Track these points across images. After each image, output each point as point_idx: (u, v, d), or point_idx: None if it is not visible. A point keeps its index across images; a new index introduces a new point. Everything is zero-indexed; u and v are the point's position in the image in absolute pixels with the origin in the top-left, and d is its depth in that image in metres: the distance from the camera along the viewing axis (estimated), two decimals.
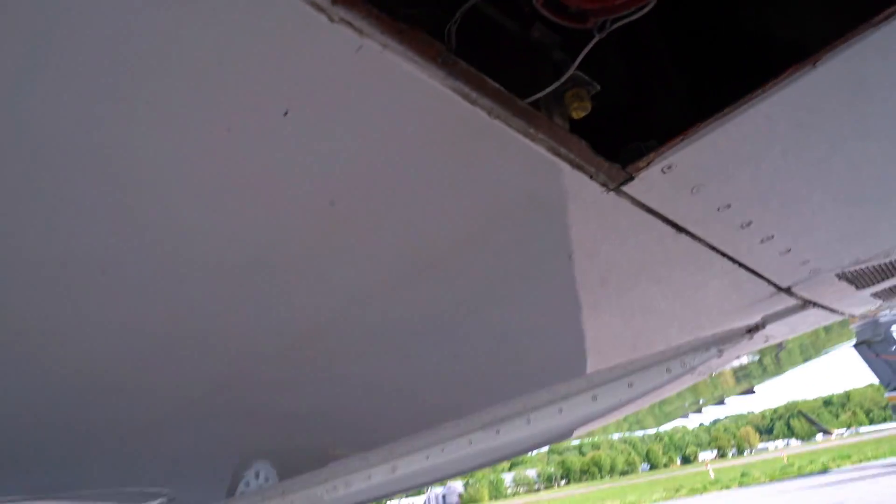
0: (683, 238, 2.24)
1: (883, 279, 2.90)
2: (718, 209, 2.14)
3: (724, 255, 2.40)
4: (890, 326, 22.12)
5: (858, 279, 2.86)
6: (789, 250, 2.50)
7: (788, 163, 2.01)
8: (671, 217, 2.13)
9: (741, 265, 2.52)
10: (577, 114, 1.71)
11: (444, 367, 3.21)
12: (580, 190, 1.92)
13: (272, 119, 1.52)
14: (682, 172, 1.93)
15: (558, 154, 1.77)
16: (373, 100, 1.53)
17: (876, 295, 3.16)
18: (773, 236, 2.37)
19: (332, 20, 1.32)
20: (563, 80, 1.66)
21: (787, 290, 2.85)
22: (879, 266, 2.77)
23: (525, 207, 1.97)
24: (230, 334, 2.49)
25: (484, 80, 1.54)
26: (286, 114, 1.50)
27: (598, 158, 1.83)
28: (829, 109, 1.81)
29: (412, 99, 1.54)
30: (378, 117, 1.56)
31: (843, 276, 2.80)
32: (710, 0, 2.22)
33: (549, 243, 2.17)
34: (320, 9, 1.29)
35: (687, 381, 5.31)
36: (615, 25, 1.59)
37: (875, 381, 27.88)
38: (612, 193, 1.97)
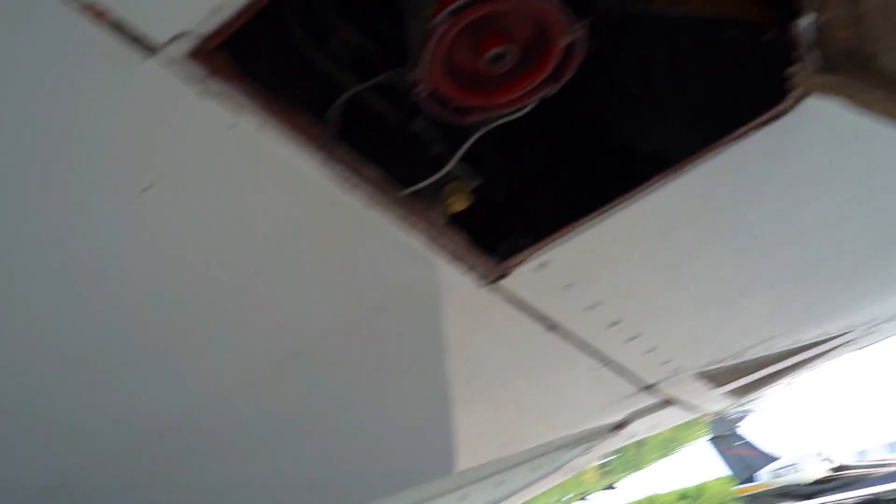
0: (554, 335, 2.26)
1: (736, 378, 3.06)
2: (588, 307, 2.18)
3: (593, 352, 2.44)
4: (736, 422, 23.66)
5: (715, 378, 2.99)
6: (654, 349, 2.58)
7: (652, 265, 2.09)
8: (544, 314, 2.14)
9: (607, 363, 2.56)
10: (456, 206, 1.70)
11: (309, 466, 3.00)
12: (456, 284, 1.90)
13: (129, 194, 1.39)
14: (555, 270, 1.96)
15: (435, 246, 1.75)
16: (245, 180, 1.45)
17: (729, 393, 3.32)
18: (638, 335, 2.44)
19: (205, 94, 1.24)
20: (442, 172, 1.66)
21: (651, 388, 2.94)
22: (733, 366, 2.92)
23: (400, 299, 1.91)
24: (71, 430, 2.21)
25: (363, 167, 1.50)
26: (146, 189, 1.39)
27: (474, 252, 1.82)
28: (686, 217, 1.91)
29: (288, 182, 1.48)
30: (249, 199, 1.48)
31: (701, 375, 2.92)
32: (583, 109, 2.35)
33: (422, 337, 2.11)
34: (194, 81, 1.22)
35: (555, 479, 5.31)
36: (496, 123, 1.62)
37: (727, 473, 29.42)
38: (487, 288, 1.96)
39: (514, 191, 2.22)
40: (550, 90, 1.58)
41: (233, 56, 1.23)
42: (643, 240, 1.95)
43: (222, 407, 2.21)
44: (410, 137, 1.81)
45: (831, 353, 3.12)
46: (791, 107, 1.64)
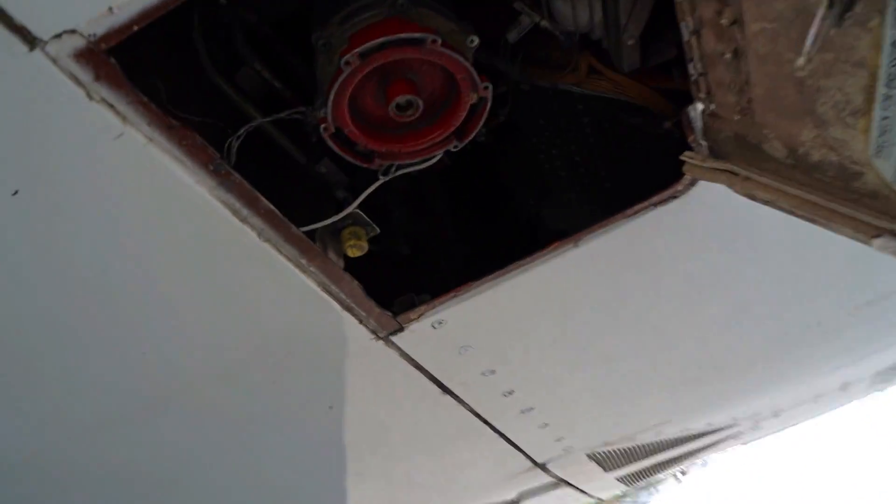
0: (448, 399, 2.21)
1: (628, 463, 3.06)
2: (483, 373, 2.15)
3: (485, 421, 2.40)
4: None
5: (606, 461, 2.98)
6: (546, 425, 2.56)
7: (547, 335, 2.10)
8: (437, 375, 2.10)
9: (501, 434, 2.52)
10: (353, 252, 1.66)
11: None
12: (348, 333, 1.84)
13: None
14: (451, 330, 1.93)
15: (328, 291, 1.70)
16: (127, 196, 1.37)
17: (621, 479, 3.31)
18: (532, 408, 2.42)
19: (90, 98, 1.19)
20: (341, 215, 1.63)
21: (543, 467, 2.90)
22: (625, 449, 2.93)
23: (287, 344, 1.83)
24: None
25: (257, 198, 1.46)
26: (15, 193, 1.30)
27: (369, 302, 1.78)
28: (581, 289, 1.94)
29: (174, 204, 1.41)
30: (130, 216, 1.40)
31: (592, 457, 2.91)
32: (493, 176, 2.40)
33: (309, 387, 2.03)
34: (79, 83, 1.16)
35: None
36: (399, 172, 1.62)
37: None
38: (381, 342, 1.91)
39: (419, 247, 2.21)
40: (456, 145, 1.59)
41: (127, 65, 1.19)
42: (539, 308, 1.96)
43: (84, 446, 2.04)
44: (315, 179, 1.78)
45: (718, 444, 3.17)
46: (682, 191, 1.71)
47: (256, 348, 1.79)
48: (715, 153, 1.60)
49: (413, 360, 2.00)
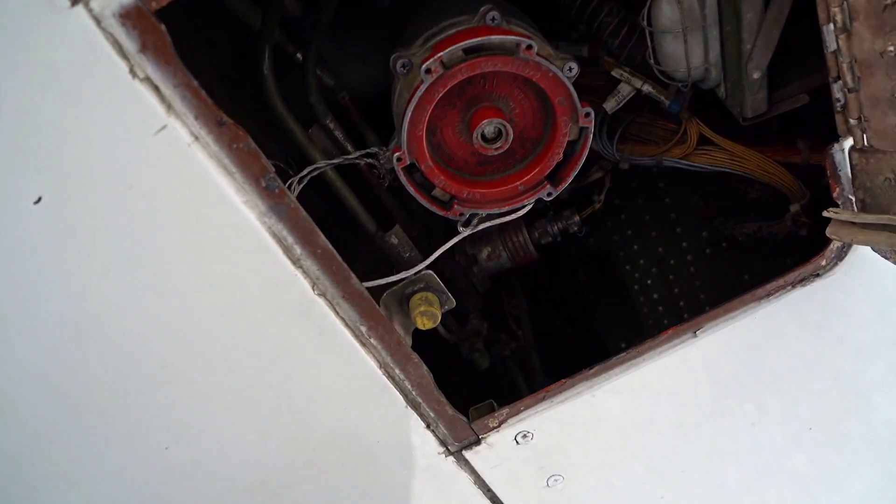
0: None
1: None
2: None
3: None
4: None
5: None
6: None
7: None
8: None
9: None
10: (424, 322, 1.37)
11: None
12: (412, 439, 1.48)
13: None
14: (539, 447, 1.54)
15: (391, 376, 1.38)
16: (169, 207, 1.15)
17: None
18: None
19: (133, 75, 1.02)
20: (413, 272, 1.37)
21: None
22: None
23: (331, 443, 1.47)
24: None
25: (314, 233, 1.20)
26: (38, 201, 1.10)
27: (440, 398, 1.43)
28: (704, 388, 1.55)
29: (216, 228, 1.18)
30: (163, 237, 1.17)
31: None
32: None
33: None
34: (123, 54, 1.00)
35: None
36: (483, 225, 1.37)
37: None
38: (451, 458, 1.53)
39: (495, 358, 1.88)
40: (550, 192, 1.35)
41: (182, 42, 1.03)
42: (654, 413, 1.57)
43: None
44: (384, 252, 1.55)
45: None
46: (827, 265, 1.39)
47: (296, 444, 1.44)
48: (870, 206, 1.29)
49: (488, 487, 1.60)
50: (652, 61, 1.43)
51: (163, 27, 0.99)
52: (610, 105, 1.65)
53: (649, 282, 2.44)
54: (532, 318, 2.46)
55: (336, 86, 1.60)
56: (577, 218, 1.74)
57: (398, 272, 1.50)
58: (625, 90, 1.63)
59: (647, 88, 1.61)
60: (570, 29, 1.75)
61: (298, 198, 1.29)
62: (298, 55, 1.51)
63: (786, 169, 1.62)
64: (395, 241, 1.53)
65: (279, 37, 1.47)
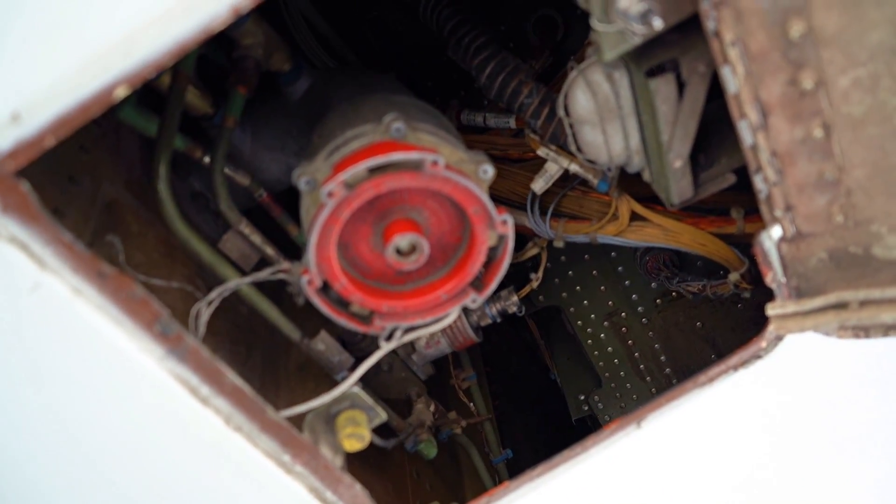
0: None
1: None
2: None
3: None
4: None
5: None
6: None
7: None
8: None
9: None
10: (351, 444, 1.27)
11: None
12: None
13: None
14: None
15: (323, 499, 1.30)
16: (55, 367, 1.07)
17: None
18: None
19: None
20: (334, 394, 1.28)
21: None
22: None
23: None
24: None
25: (219, 373, 1.12)
26: None
27: None
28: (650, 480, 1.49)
29: (117, 380, 1.10)
30: (63, 392, 1.09)
31: None
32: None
33: None
34: None
35: None
36: (406, 338, 1.30)
37: None
38: None
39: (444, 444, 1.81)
40: (475, 299, 1.28)
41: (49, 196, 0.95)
42: None
43: None
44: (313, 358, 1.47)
45: None
46: (767, 347, 1.35)
47: None
48: (805, 290, 1.25)
49: None
50: (574, 149, 1.38)
51: (25, 186, 0.91)
52: (538, 185, 1.60)
53: (602, 336, 2.40)
54: (490, 380, 2.40)
55: (252, 184, 1.52)
56: (514, 298, 1.68)
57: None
58: (552, 169, 1.58)
59: (574, 167, 1.56)
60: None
61: (215, 311, 1.22)
62: (206, 158, 1.43)
63: (721, 240, 1.58)
64: (321, 347, 1.45)
65: (182, 143, 1.39)
